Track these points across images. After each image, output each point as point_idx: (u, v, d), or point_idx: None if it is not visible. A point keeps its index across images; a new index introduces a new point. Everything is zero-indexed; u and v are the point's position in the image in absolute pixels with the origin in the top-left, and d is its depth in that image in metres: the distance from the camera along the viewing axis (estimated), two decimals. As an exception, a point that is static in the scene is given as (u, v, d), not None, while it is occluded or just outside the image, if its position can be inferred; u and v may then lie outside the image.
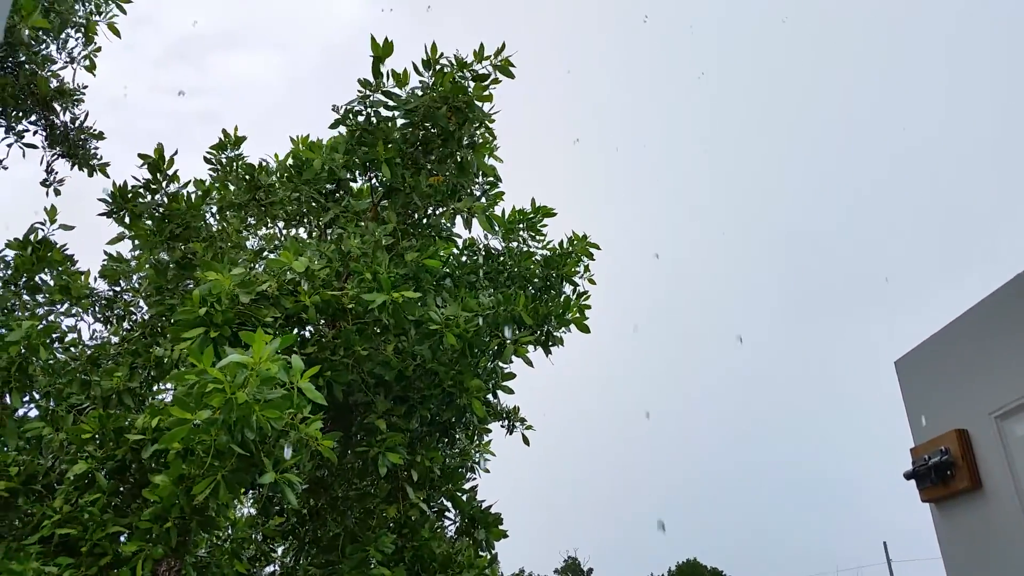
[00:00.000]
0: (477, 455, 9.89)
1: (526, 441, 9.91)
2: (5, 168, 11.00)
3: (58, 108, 10.86)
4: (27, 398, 7.56)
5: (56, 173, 11.21)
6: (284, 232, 9.33)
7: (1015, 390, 3.58)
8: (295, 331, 7.05)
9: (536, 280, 9.25)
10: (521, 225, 9.46)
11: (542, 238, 9.52)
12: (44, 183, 11.22)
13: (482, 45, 7.95)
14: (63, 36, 10.23)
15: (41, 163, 11.10)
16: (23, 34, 8.18)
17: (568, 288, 9.32)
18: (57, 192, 11.28)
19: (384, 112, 7.62)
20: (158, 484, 5.54)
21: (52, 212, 8.27)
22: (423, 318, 6.84)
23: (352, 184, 8.52)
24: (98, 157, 11.15)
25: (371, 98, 7.50)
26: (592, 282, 9.44)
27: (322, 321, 7.24)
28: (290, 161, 8.52)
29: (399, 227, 7.62)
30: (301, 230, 9.17)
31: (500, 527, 7.62)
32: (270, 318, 6.46)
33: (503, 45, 7.97)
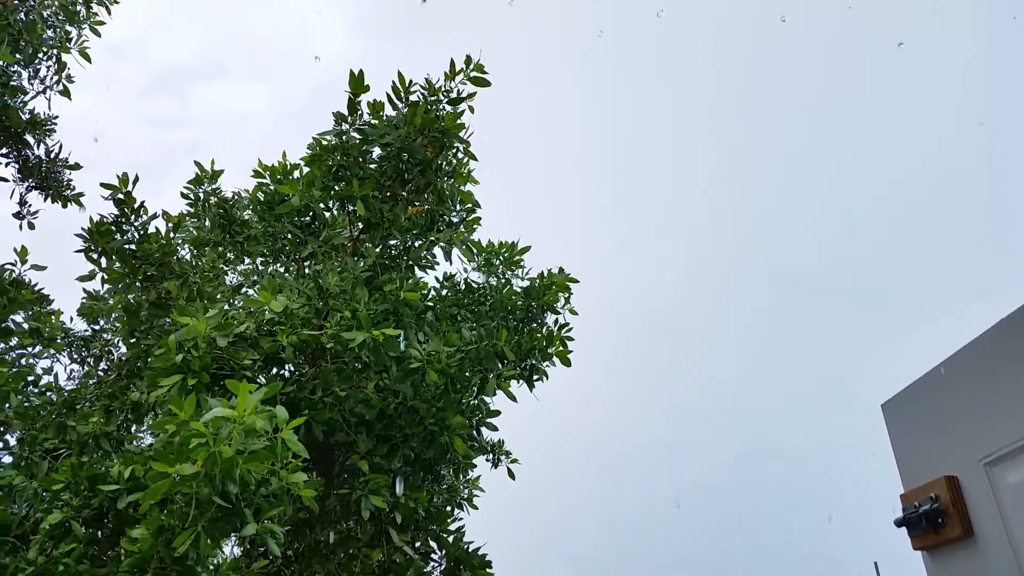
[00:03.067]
0: (465, 491, 9.81)
1: (511, 475, 9.86)
2: (-23, 202, 10.84)
3: (31, 139, 10.74)
4: (0, 445, 7.42)
5: (29, 206, 11.06)
6: (261, 267, 9.24)
7: (1005, 436, 3.58)
8: (275, 371, 6.97)
9: (518, 311, 9.20)
10: (498, 261, 9.41)
11: (521, 270, 9.49)
12: (17, 215, 11.06)
13: (452, 62, 7.96)
14: (35, 64, 10.12)
15: (11, 196, 10.96)
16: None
17: (551, 319, 9.29)
18: (31, 226, 11.13)
19: (359, 144, 7.57)
20: (136, 537, 5.42)
21: (23, 252, 8.15)
22: (404, 355, 6.78)
23: (330, 214, 8.46)
24: (71, 188, 11.03)
25: (345, 134, 7.46)
26: (574, 312, 9.42)
27: (301, 359, 7.16)
28: (261, 194, 8.40)
29: (378, 261, 7.57)
30: (279, 264, 9.08)
31: (487, 570, 7.54)
32: (248, 360, 6.37)
33: (468, 57, 7.99)
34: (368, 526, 7.19)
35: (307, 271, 8.10)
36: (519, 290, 9.22)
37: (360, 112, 7.63)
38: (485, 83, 8.10)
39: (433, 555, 7.79)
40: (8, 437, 7.75)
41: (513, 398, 7.56)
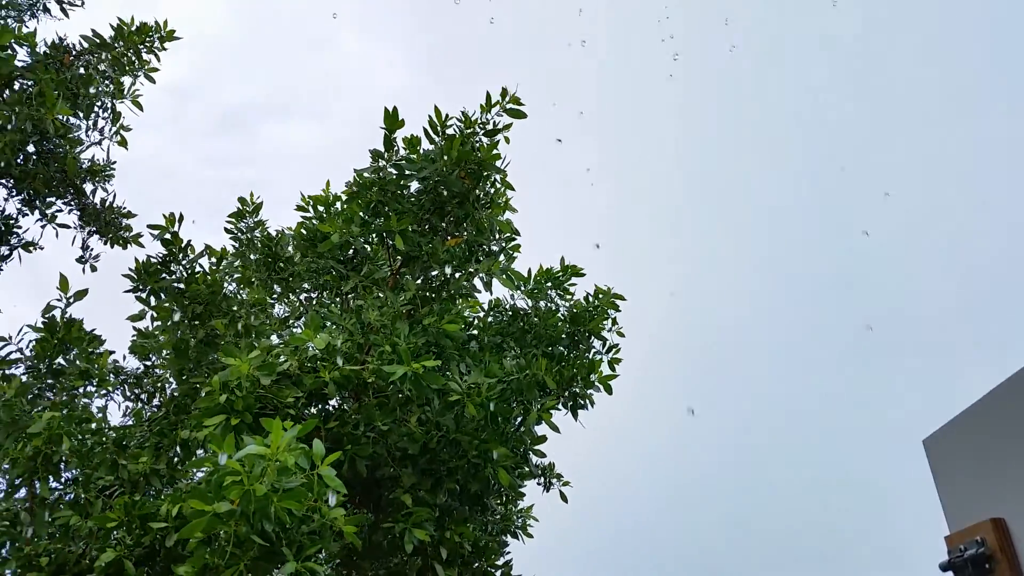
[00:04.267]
0: (519, 520, 9.72)
1: (564, 498, 9.73)
2: (41, 248, 11.33)
3: (90, 187, 11.20)
4: (57, 485, 7.63)
5: (91, 250, 11.50)
6: (305, 303, 9.39)
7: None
8: (318, 407, 7.04)
9: (564, 338, 9.13)
10: (548, 284, 9.38)
11: (570, 296, 9.42)
12: (80, 260, 11.51)
13: (488, 95, 8.05)
14: (92, 115, 10.56)
15: (73, 243, 11.40)
16: (48, 125, 8.41)
17: (597, 343, 9.20)
18: (93, 268, 11.56)
19: (397, 179, 7.67)
20: (182, 575, 5.49)
21: (64, 285, 8.29)
22: (445, 387, 6.78)
23: (371, 247, 8.56)
24: (129, 230, 11.43)
25: (383, 170, 7.56)
26: (621, 334, 9.32)
27: (344, 395, 7.22)
28: (304, 230, 8.56)
29: (418, 294, 7.61)
30: (323, 299, 9.21)
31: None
32: (291, 398, 6.45)
33: (504, 89, 8.08)
34: (415, 561, 7.16)
35: (350, 305, 8.20)
36: (564, 315, 9.16)
37: (396, 148, 7.74)
38: (521, 115, 8.17)
39: (482, 590, 7.72)
40: (67, 476, 8.00)
41: (556, 429, 7.48)
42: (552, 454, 10.03)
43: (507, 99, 8.13)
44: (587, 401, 8.22)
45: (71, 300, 8.31)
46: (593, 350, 9.26)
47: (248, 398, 6.15)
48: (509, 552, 8.71)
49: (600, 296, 9.34)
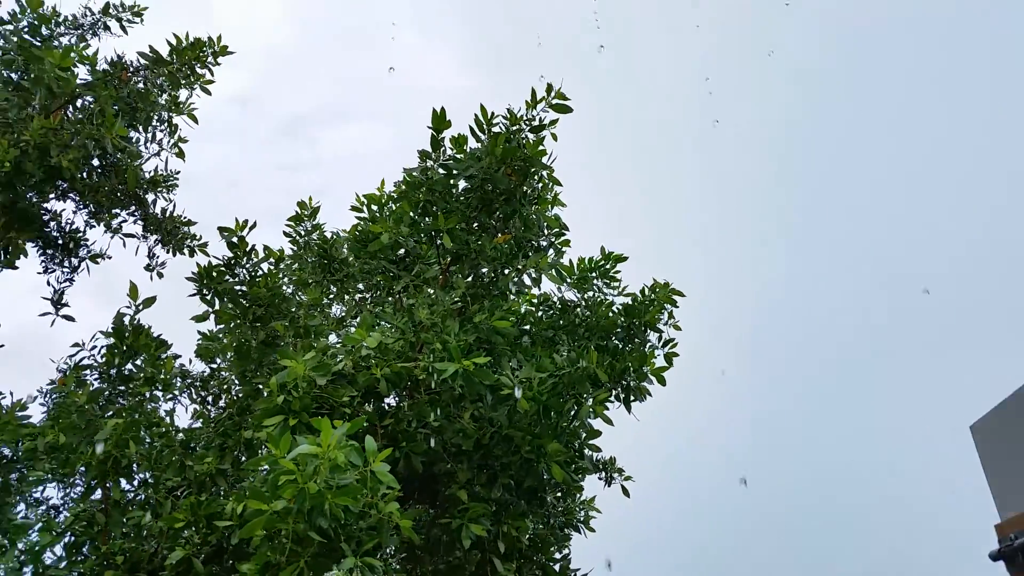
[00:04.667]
0: (582, 513, 9.72)
1: (626, 493, 9.69)
2: (109, 258, 11.81)
3: (152, 197, 11.61)
4: (129, 487, 7.95)
5: (157, 258, 11.92)
6: (360, 301, 9.56)
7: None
8: (373, 405, 7.17)
9: (618, 330, 9.07)
10: (594, 274, 9.34)
11: (617, 284, 9.36)
12: (147, 268, 11.95)
13: (533, 91, 8.07)
14: (151, 129, 10.96)
15: (137, 252, 11.84)
16: (108, 143, 8.77)
17: (653, 336, 9.12)
18: (160, 275, 11.98)
19: (444, 178, 7.76)
20: (246, 572, 5.68)
21: (134, 292, 8.62)
22: (497, 383, 6.83)
23: (421, 247, 8.67)
24: (197, 238, 11.83)
25: (430, 170, 7.66)
26: (677, 328, 9.21)
27: (399, 392, 7.35)
28: (357, 232, 8.73)
29: (468, 292, 7.69)
30: (376, 299, 9.37)
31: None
32: (347, 397, 6.60)
33: (550, 85, 8.09)
34: (474, 555, 7.25)
35: (402, 305, 8.33)
36: (618, 308, 9.10)
37: (443, 148, 7.83)
38: (567, 109, 8.17)
39: (541, 584, 7.76)
40: (139, 478, 8.33)
41: (609, 422, 7.47)
42: (614, 449, 10.03)
43: (552, 95, 8.13)
44: (641, 393, 8.16)
45: (140, 308, 8.65)
46: (649, 343, 9.19)
47: (305, 398, 6.32)
48: (567, 548, 8.74)
49: (657, 290, 9.23)
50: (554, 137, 8.38)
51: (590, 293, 9.31)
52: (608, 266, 9.34)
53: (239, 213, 8.83)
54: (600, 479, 10.05)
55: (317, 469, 4.97)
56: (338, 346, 7.44)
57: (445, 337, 6.78)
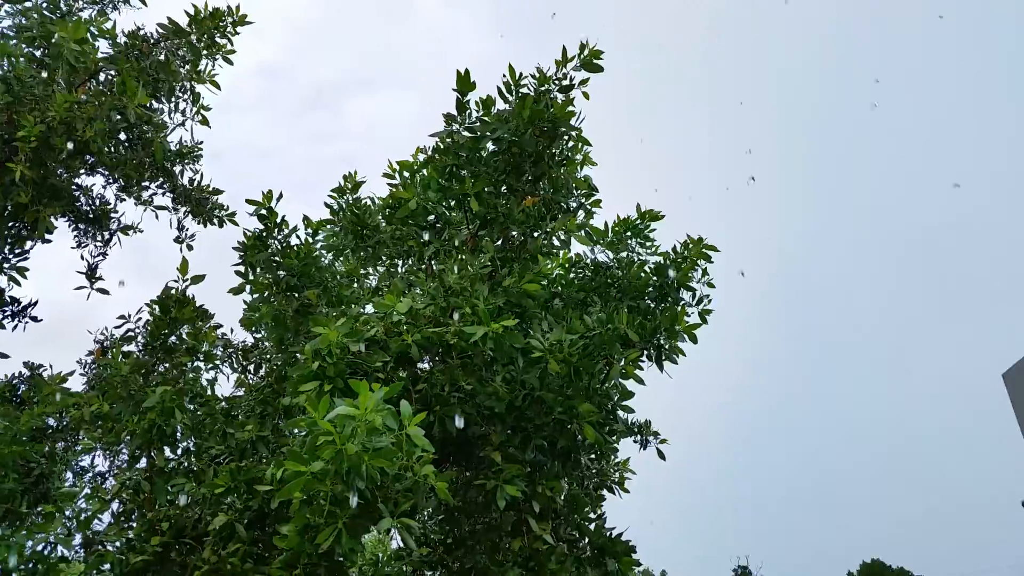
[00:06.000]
0: (616, 474, 9.95)
1: (662, 456, 9.88)
2: (141, 231, 12.18)
3: (179, 168, 11.92)
4: (173, 455, 8.35)
5: (187, 230, 12.27)
6: (392, 268, 9.81)
7: None
8: (406, 371, 7.43)
9: (651, 290, 9.17)
10: (628, 233, 9.43)
11: (651, 244, 9.43)
12: (177, 240, 12.31)
13: (564, 49, 8.14)
14: (173, 100, 11.22)
15: (170, 225, 12.19)
16: (131, 114, 9.03)
17: (687, 295, 9.22)
18: (190, 247, 12.33)
19: (470, 142, 7.91)
20: (286, 534, 5.99)
21: (184, 267, 9.01)
22: (527, 346, 7.04)
23: (451, 213, 8.85)
24: (225, 208, 12.15)
25: (456, 133, 7.80)
26: (711, 285, 9.30)
27: (431, 357, 7.59)
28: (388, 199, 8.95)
29: (497, 255, 7.86)
30: (408, 265, 9.60)
31: (632, 556, 7.69)
32: (380, 363, 6.85)
33: (583, 44, 8.14)
34: (509, 515, 7.53)
35: (433, 270, 8.55)
36: (650, 268, 9.18)
37: (469, 111, 7.96)
38: (598, 68, 8.23)
39: (578, 543, 8.03)
40: (183, 446, 8.74)
41: (641, 382, 7.64)
42: (649, 411, 10.20)
43: (585, 52, 8.18)
44: (674, 353, 8.30)
45: (188, 283, 9.00)
46: (683, 302, 9.29)
47: (339, 364, 6.58)
48: (602, 509, 8.99)
49: (690, 246, 9.28)
50: (586, 96, 8.45)
51: (624, 254, 9.41)
52: (643, 225, 9.41)
53: (270, 183, 9.11)
54: (635, 441, 10.27)
55: (355, 431, 5.22)
56: (370, 313, 7.69)
57: (474, 301, 6.98)
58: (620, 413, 8.27)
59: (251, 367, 10.98)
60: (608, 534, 7.89)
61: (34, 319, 10.51)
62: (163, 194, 11.92)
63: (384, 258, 9.68)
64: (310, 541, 5.91)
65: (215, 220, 12.25)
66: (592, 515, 8.05)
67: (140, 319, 8.93)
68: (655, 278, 9.07)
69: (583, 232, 8.20)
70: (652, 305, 9.11)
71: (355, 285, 9.84)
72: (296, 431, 6.87)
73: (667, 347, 8.04)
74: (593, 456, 9.27)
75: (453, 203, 8.36)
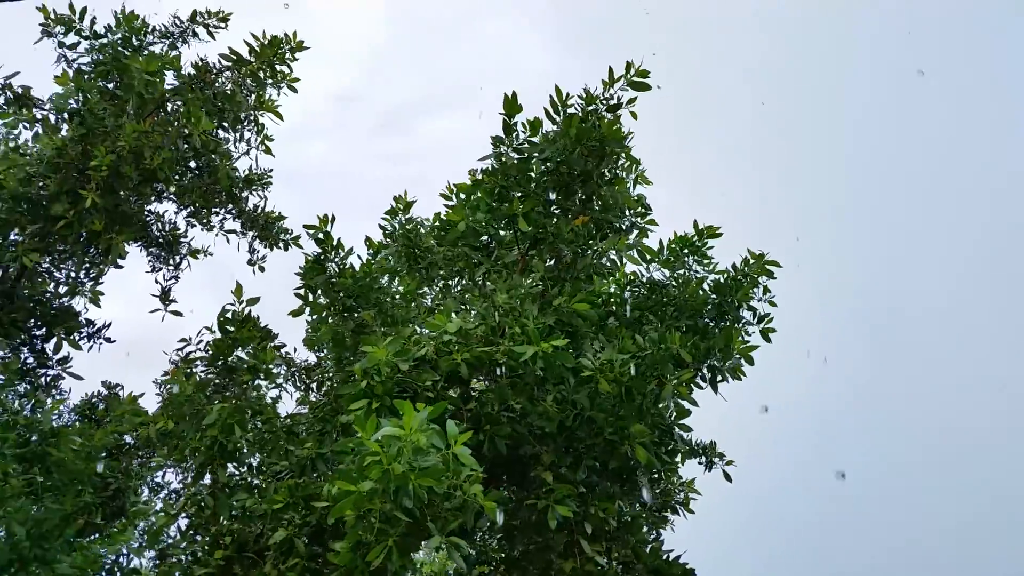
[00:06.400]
0: (680, 494, 9.88)
1: (728, 478, 9.77)
2: (211, 255, 12.71)
3: (246, 195, 12.41)
4: (236, 472, 8.66)
5: (258, 252, 12.75)
6: (445, 288, 10.02)
7: None
8: (457, 391, 7.56)
9: (709, 308, 9.05)
10: (685, 251, 9.35)
11: (708, 261, 9.33)
12: (250, 262, 12.81)
13: (611, 69, 8.23)
14: (239, 128, 11.69)
15: (238, 249, 12.69)
16: (196, 141, 9.47)
17: (747, 314, 9.11)
18: (262, 269, 12.82)
19: (519, 163, 8.05)
20: (339, 551, 6.16)
21: (239, 291, 9.32)
22: (578, 366, 7.09)
23: (501, 233, 8.98)
24: (290, 232, 12.59)
25: (504, 155, 7.96)
26: (773, 304, 9.15)
27: (481, 377, 7.70)
28: (439, 221, 9.17)
29: (548, 275, 7.95)
30: (460, 286, 9.78)
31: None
32: (429, 382, 7.00)
33: (629, 63, 8.21)
34: (561, 536, 7.55)
35: (484, 290, 8.69)
36: (709, 285, 9.08)
37: (516, 132, 8.11)
38: (645, 87, 8.28)
39: (633, 565, 7.99)
40: (249, 462, 9.06)
41: (694, 403, 7.60)
42: (713, 432, 10.09)
43: (631, 72, 8.25)
44: (730, 374, 8.22)
45: (244, 304, 9.34)
46: (743, 320, 9.17)
47: (387, 383, 6.74)
48: (663, 529, 8.93)
49: (750, 263, 9.14)
50: (633, 116, 8.51)
51: (680, 271, 9.32)
52: (700, 243, 9.29)
53: (343, 206, 9.43)
54: (700, 463, 10.16)
55: (401, 451, 5.35)
56: (421, 333, 7.86)
57: (524, 320, 7.07)
58: (679, 432, 8.22)
59: (313, 385, 11.32)
60: (665, 557, 7.83)
61: (108, 340, 11.05)
62: (232, 219, 12.43)
63: (438, 279, 9.90)
64: (362, 558, 6.06)
65: (280, 244, 12.71)
66: (649, 537, 8.00)
67: (201, 340, 9.27)
68: (713, 296, 8.98)
69: (634, 251, 8.21)
70: (711, 324, 9.03)
71: (411, 305, 10.07)
72: (346, 451, 7.06)
73: (720, 368, 7.98)
74: (654, 476, 9.20)
75: (503, 223, 8.49)
